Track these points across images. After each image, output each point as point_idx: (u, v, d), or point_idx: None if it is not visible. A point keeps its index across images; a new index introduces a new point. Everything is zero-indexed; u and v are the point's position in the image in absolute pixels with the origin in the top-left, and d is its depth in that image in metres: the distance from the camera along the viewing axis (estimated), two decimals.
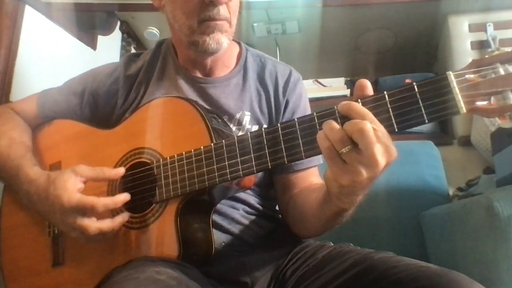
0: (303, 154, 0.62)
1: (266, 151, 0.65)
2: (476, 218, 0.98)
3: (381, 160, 0.54)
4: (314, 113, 0.61)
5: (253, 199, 0.87)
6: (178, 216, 0.73)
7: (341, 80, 2.09)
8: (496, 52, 0.56)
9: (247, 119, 0.89)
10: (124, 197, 0.74)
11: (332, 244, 0.83)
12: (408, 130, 0.57)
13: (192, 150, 0.72)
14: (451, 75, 0.54)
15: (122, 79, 0.93)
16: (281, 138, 0.64)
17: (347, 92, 2.00)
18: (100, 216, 0.72)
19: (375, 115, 0.55)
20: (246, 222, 0.84)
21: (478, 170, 1.67)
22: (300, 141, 0.62)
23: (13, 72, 1.29)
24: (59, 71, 1.37)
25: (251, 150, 0.67)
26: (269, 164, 0.65)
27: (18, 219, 0.88)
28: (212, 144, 0.71)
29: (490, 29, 1.79)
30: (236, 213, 0.84)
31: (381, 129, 0.54)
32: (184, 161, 0.73)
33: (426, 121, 0.55)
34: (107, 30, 1.88)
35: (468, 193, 1.45)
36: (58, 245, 0.84)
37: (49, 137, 0.94)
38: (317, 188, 0.79)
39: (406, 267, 0.63)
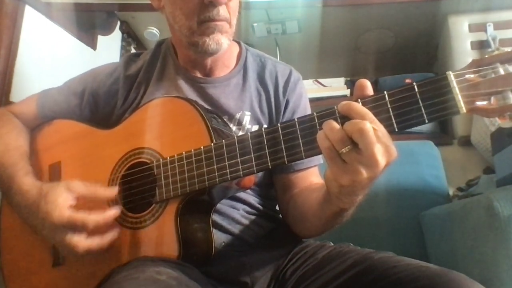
0: (303, 154, 0.62)
1: (266, 151, 0.65)
2: (476, 218, 0.98)
3: (381, 160, 0.54)
4: (314, 113, 0.61)
5: (253, 199, 0.87)
6: (178, 216, 0.72)
7: (341, 80, 2.09)
8: (496, 52, 0.56)
9: (247, 119, 0.89)
10: (115, 212, 0.73)
11: (332, 244, 0.83)
12: (408, 130, 0.57)
13: (192, 150, 0.72)
14: (451, 75, 0.54)
15: (122, 79, 0.93)
16: (281, 138, 0.64)
17: (347, 92, 2.00)
18: (91, 232, 0.72)
19: (375, 115, 0.55)
20: (246, 222, 0.84)
21: (478, 170, 1.67)
22: (300, 141, 0.62)
23: (13, 72, 1.29)
24: (59, 71, 1.37)
25: (251, 150, 0.67)
26: (269, 164, 0.65)
27: (18, 219, 0.88)
28: (212, 144, 0.71)
29: (490, 29, 1.79)
30: (236, 213, 0.84)
31: (381, 129, 0.54)
32: (184, 161, 0.73)
33: (426, 121, 0.55)
34: (107, 30, 1.88)
35: (468, 193, 1.45)
36: None
37: (48, 137, 0.94)
38: (317, 188, 0.79)
39: (406, 267, 0.62)
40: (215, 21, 0.81)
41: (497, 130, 1.28)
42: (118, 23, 1.95)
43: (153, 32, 2.01)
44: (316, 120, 0.61)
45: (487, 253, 0.94)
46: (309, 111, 0.95)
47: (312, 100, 1.65)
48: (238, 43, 0.98)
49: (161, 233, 0.74)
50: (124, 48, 2.00)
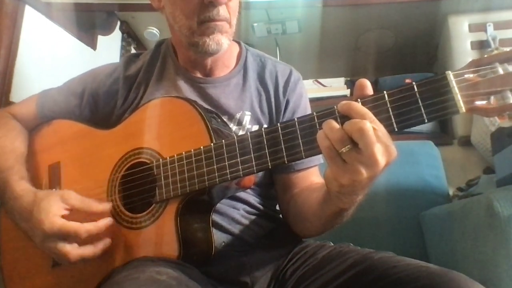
0: (303, 154, 0.62)
1: (266, 151, 0.65)
2: (476, 218, 0.98)
3: (381, 159, 0.54)
4: (314, 113, 0.61)
5: (253, 199, 0.87)
6: (178, 216, 0.72)
7: (341, 80, 2.09)
8: (496, 52, 0.56)
9: (247, 119, 0.89)
10: (107, 221, 0.74)
11: (332, 244, 0.83)
12: (408, 130, 0.57)
13: (192, 150, 0.72)
14: (450, 75, 0.54)
15: (122, 80, 0.93)
16: (281, 138, 0.64)
17: (347, 92, 2.00)
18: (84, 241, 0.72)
19: (375, 114, 0.55)
20: (246, 222, 0.84)
21: (478, 170, 1.67)
22: (300, 141, 0.62)
23: (13, 72, 1.29)
24: (59, 71, 1.37)
25: (251, 150, 0.67)
26: (269, 164, 0.65)
27: None
28: (212, 144, 0.71)
29: (490, 29, 1.79)
30: (236, 213, 0.84)
31: (381, 129, 0.54)
32: (184, 161, 0.73)
33: (426, 121, 0.55)
34: (107, 30, 1.88)
35: (468, 193, 1.45)
36: None
37: (48, 137, 0.94)
38: (317, 188, 0.79)
39: (406, 267, 0.62)
40: (215, 21, 0.81)
41: (497, 130, 1.28)
42: (118, 23, 1.95)
43: (153, 32, 2.01)
44: (316, 120, 0.61)
45: (487, 253, 0.93)
46: (309, 111, 0.95)
47: (312, 100, 1.64)
48: (238, 43, 0.98)
49: (161, 233, 0.74)
50: (124, 48, 2.00)
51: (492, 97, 0.53)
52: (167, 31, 0.93)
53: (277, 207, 0.95)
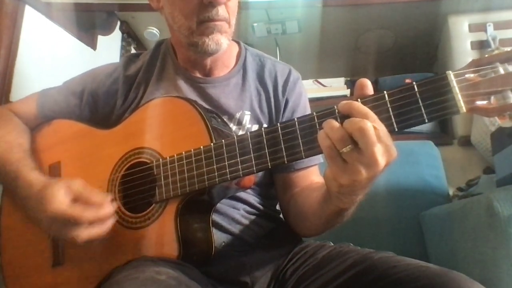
0: (303, 154, 0.62)
1: (266, 150, 0.65)
2: (476, 218, 0.98)
3: (381, 160, 0.54)
4: (314, 113, 0.61)
5: (253, 199, 0.87)
6: (178, 216, 0.72)
7: (341, 80, 2.09)
8: (496, 52, 0.56)
9: (247, 118, 0.89)
10: (111, 209, 0.73)
11: (332, 244, 0.83)
12: (408, 130, 0.57)
13: (192, 150, 0.72)
14: (450, 75, 0.54)
15: (122, 79, 0.93)
16: (281, 137, 0.64)
17: (347, 92, 2.00)
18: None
19: (375, 114, 0.55)
20: (246, 222, 0.84)
21: (478, 170, 1.67)
22: (300, 140, 0.62)
23: (13, 72, 1.29)
24: (59, 71, 1.37)
25: (251, 150, 0.67)
26: (269, 164, 0.65)
27: (18, 219, 0.88)
28: (211, 144, 0.71)
29: (490, 29, 1.79)
30: (236, 213, 0.84)
31: (382, 129, 0.54)
32: (184, 161, 0.72)
33: (426, 121, 0.55)
34: (107, 30, 1.88)
35: (468, 193, 1.45)
36: (58, 245, 0.83)
37: (48, 137, 0.94)
38: (317, 187, 0.79)
39: (406, 267, 0.62)
40: (214, 21, 0.81)
41: (497, 130, 1.28)
42: (118, 23, 1.95)
43: (153, 32, 2.01)
44: (316, 120, 0.61)
45: (487, 253, 0.93)
46: (308, 111, 0.95)
47: (312, 100, 1.65)
48: (238, 43, 0.98)
49: (161, 233, 0.74)
50: (124, 48, 2.00)
51: (492, 97, 0.53)
52: (167, 31, 0.93)
53: (277, 207, 0.95)
